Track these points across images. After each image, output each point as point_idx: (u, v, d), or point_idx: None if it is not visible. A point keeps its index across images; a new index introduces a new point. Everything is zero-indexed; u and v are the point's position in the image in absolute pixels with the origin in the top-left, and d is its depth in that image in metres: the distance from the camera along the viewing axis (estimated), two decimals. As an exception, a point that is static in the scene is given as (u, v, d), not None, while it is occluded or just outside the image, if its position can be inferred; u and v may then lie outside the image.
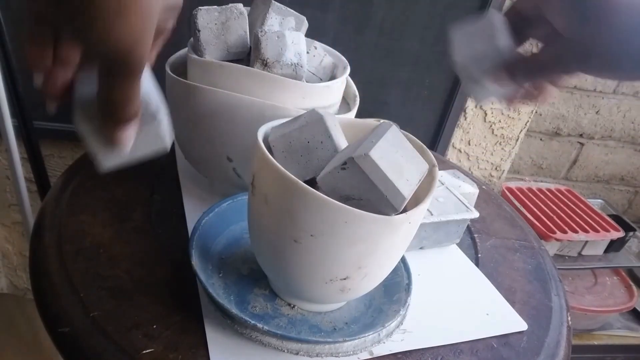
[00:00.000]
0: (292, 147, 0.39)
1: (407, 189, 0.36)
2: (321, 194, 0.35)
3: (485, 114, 1.10)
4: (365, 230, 0.36)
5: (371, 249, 0.37)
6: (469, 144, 1.15)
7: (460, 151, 1.16)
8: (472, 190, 0.67)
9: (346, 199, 0.36)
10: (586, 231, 1.17)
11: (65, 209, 0.55)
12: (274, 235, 0.39)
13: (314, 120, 0.39)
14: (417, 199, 0.38)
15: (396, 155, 0.36)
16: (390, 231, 0.36)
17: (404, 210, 0.37)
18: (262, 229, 0.41)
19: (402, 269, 0.50)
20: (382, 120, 0.42)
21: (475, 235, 0.66)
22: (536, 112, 1.23)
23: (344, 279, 0.39)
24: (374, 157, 0.34)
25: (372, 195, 0.36)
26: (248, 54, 0.55)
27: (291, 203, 0.36)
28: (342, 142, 0.40)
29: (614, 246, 1.24)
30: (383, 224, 0.36)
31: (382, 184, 0.35)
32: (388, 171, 0.35)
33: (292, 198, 0.36)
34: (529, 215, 1.20)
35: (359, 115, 0.59)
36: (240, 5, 0.53)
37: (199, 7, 0.52)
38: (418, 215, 0.38)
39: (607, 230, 1.20)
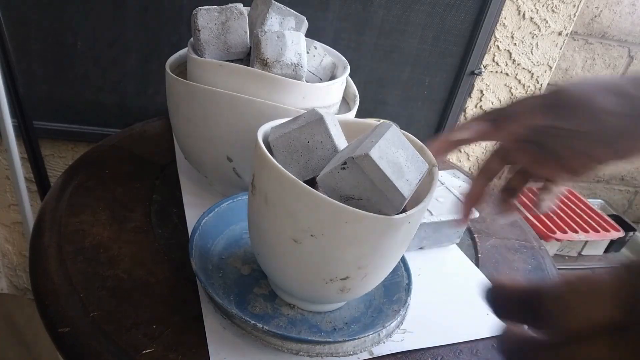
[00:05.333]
0: (292, 147, 0.39)
1: (407, 189, 0.36)
2: (321, 194, 0.35)
3: (485, 114, 1.10)
4: (365, 230, 0.36)
5: (371, 249, 0.37)
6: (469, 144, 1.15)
7: (460, 151, 1.16)
8: (472, 190, 0.67)
9: (346, 199, 0.36)
10: (586, 231, 1.17)
11: (65, 209, 0.55)
12: (274, 235, 0.39)
13: (314, 120, 0.39)
14: (417, 199, 0.38)
15: (396, 155, 0.36)
16: (390, 231, 0.36)
17: (404, 210, 0.37)
18: (262, 229, 0.41)
19: (402, 269, 0.50)
20: (382, 120, 0.42)
21: (475, 235, 0.66)
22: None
23: (344, 279, 0.39)
24: (374, 157, 0.34)
25: (372, 195, 0.36)
26: (248, 54, 0.55)
27: (291, 203, 0.36)
28: (342, 142, 0.40)
29: (614, 246, 1.24)
30: (383, 224, 0.36)
31: (382, 184, 0.35)
32: (388, 171, 0.35)
33: (292, 198, 0.36)
34: (529, 215, 1.20)
35: (359, 115, 0.59)
36: (240, 5, 0.53)
37: (199, 7, 0.52)
38: (418, 215, 0.38)
39: (607, 230, 1.20)
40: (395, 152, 0.36)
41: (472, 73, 1.02)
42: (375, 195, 0.36)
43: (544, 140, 0.40)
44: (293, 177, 0.35)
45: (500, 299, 0.23)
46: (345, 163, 0.35)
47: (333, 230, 0.36)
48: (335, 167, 0.36)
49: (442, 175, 0.68)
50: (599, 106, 0.36)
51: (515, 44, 1.03)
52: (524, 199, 0.43)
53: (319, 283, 0.40)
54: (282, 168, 0.36)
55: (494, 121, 0.40)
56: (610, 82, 0.37)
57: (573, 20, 1.02)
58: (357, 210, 0.35)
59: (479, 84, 1.06)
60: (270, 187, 0.38)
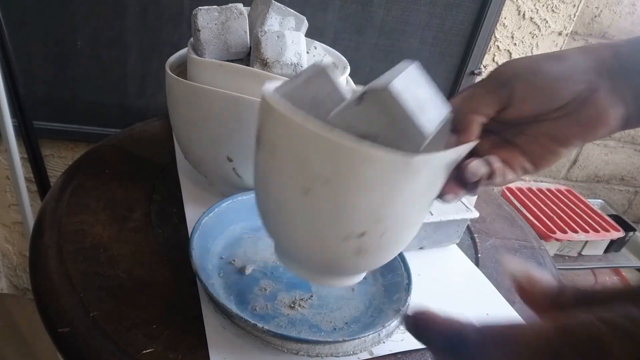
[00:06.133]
0: (298, 104, 0.35)
1: (429, 128, 0.31)
2: (333, 133, 0.30)
3: (485, 114, 1.10)
4: (383, 173, 0.31)
5: (389, 197, 0.32)
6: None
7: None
8: (472, 190, 0.67)
9: (361, 139, 0.31)
10: (586, 231, 1.17)
11: (65, 209, 0.55)
12: (282, 189, 0.34)
13: (317, 73, 0.36)
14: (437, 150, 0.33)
15: (418, 91, 0.32)
16: (409, 175, 0.31)
17: None
18: (269, 186, 0.35)
19: (402, 269, 0.50)
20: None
21: (475, 235, 0.66)
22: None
23: (361, 235, 0.34)
24: (394, 90, 0.30)
25: (390, 133, 0.32)
26: (248, 54, 0.55)
27: (299, 147, 0.31)
28: (348, 94, 0.37)
29: (614, 246, 1.24)
30: (401, 164, 0.30)
31: (402, 121, 0.31)
32: (408, 106, 0.31)
33: (301, 141, 0.31)
34: (529, 215, 1.20)
35: (359, 115, 0.59)
36: (240, 5, 0.53)
37: (199, 7, 0.52)
38: (439, 162, 0.32)
39: (607, 230, 1.20)
40: (417, 88, 0.32)
41: (472, 73, 1.02)
42: (393, 133, 0.32)
43: (499, 129, 0.37)
44: (304, 114, 0.31)
45: (423, 329, 0.22)
46: (361, 97, 0.31)
47: (347, 174, 0.31)
48: (350, 103, 0.32)
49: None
50: (544, 72, 0.32)
51: (515, 44, 1.03)
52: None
53: (332, 241, 0.34)
54: (292, 107, 0.31)
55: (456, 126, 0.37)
56: (547, 53, 0.34)
57: (573, 20, 1.02)
58: (375, 150, 0.29)
59: (479, 84, 1.05)
60: (277, 134, 0.33)
